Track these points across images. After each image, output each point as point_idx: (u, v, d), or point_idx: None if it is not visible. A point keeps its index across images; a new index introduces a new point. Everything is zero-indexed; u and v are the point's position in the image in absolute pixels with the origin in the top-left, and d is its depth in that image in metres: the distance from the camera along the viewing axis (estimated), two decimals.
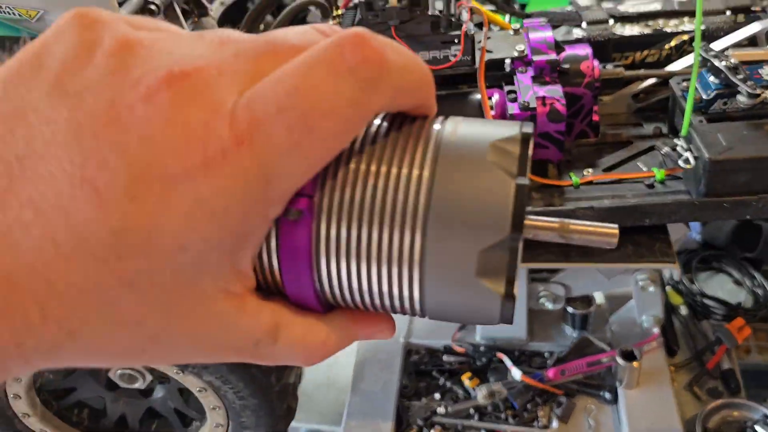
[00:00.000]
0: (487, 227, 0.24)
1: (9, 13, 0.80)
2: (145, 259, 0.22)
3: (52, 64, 0.22)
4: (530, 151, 0.26)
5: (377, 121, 0.27)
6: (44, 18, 0.82)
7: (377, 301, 0.27)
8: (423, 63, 0.26)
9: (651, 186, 0.89)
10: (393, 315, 0.30)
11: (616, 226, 0.28)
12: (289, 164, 0.23)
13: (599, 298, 1.30)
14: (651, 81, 1.01)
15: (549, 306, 1.27)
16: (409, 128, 0.27)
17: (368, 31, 0.23)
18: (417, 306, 0.27)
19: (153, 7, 0.88)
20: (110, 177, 0.21)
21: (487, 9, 1.03)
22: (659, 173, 0.89)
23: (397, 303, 0.27)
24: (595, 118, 0.96)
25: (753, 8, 1.02)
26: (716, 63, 0.87)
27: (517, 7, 1.15)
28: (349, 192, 0.25)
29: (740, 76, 0.85)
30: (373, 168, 0.25)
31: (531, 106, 0.88)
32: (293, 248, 0.25)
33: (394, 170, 0.25)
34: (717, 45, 0.97)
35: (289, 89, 0.22)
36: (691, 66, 0.91)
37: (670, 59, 1.03)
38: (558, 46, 0.96)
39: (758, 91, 0.83)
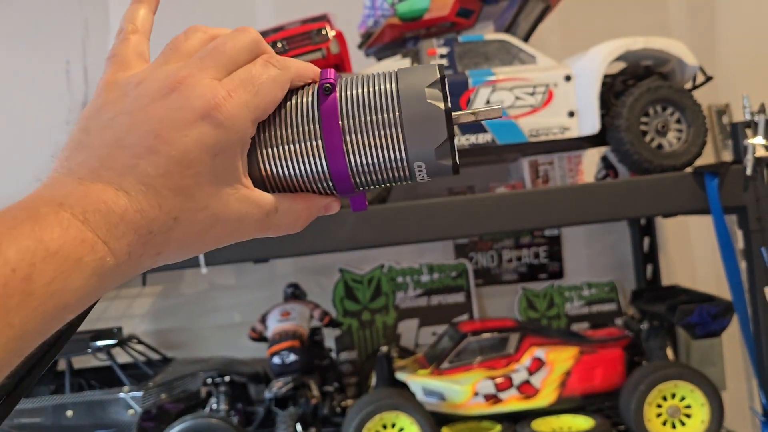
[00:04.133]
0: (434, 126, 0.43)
1: None
2: (200, 166, 0.39)
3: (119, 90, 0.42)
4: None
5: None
6: None
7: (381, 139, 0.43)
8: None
9: None
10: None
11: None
12: (265, 95, 0.42)
13: None
14: None
15: None
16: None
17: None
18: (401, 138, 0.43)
19: None
20: (172, 133, 0.39)
21: None
22: None
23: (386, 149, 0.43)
24: None
25: None
26: None
27: None
28: (353, 78, 0.45)
29: None
30: (361, 74, 0.45)
31: None
32: (329, 110, 0.43)
33: (373, 72, 0.45)
34: None
35: (246, 73, 0.42)
36: None
37: None
38: None
39: None
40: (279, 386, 1.24)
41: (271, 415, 1.31)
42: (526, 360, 1.27)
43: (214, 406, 1.30)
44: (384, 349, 1.40)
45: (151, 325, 1.76)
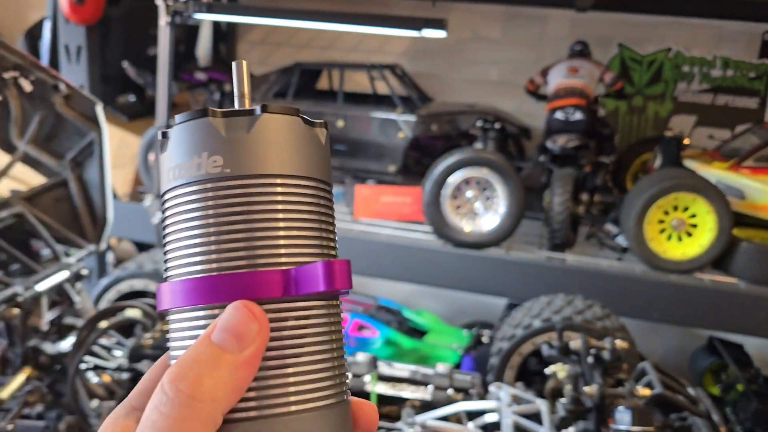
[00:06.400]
0: None
1: None
2: None
3: None
4: None
5: None
6: None
7: None
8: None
9: None
10: None
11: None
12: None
13: None
14: None
15: None
16: None
17: None
18: None
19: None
20: None
21: None
22: None
23: None
24: None
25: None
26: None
27: None
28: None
29: None
30: None
31: None
32: None
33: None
34: (426, 415, 1.37)
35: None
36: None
37: None
38: None
39: None
40: (564, 141, 1.14)
41: (540, 169, 1.23)
42: None
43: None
44: (670, 132, 1.25)
45: (404, 65, 1.70)
